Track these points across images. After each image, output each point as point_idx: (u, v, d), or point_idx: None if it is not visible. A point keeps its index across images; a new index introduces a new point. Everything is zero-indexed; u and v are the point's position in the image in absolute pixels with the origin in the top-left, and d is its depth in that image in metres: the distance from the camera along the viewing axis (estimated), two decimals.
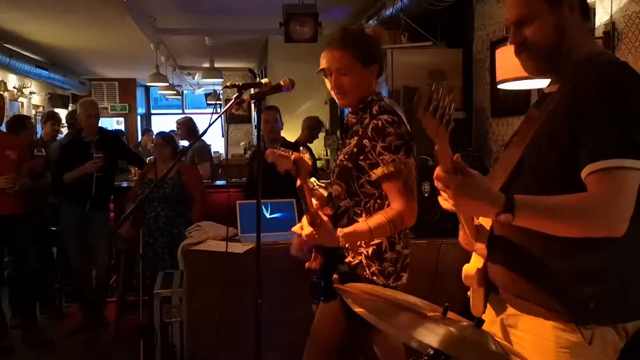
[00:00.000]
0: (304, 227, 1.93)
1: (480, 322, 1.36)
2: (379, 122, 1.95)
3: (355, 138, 2.03)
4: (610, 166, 1.27)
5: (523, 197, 1.30)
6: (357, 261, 2.06)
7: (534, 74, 1.51)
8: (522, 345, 1.45)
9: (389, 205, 2.00)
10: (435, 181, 1.30)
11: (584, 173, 1.30)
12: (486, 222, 1.54)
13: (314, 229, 1.90)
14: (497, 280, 1.51)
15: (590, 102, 1.32)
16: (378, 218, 1.93)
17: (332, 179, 2.14)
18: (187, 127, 5.87)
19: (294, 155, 1.88)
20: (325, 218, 1.92)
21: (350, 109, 2.12)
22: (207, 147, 6.05)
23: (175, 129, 6.02)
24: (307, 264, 2.07)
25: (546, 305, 1.40)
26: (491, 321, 1.57)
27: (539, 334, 1.41)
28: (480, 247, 1.53)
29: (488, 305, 1.59)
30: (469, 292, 1.59)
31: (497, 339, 1.52)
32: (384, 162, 1.94)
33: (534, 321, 1.42)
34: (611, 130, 1.29)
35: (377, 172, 1.97)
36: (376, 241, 2.04)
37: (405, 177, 1.95)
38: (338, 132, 2.34)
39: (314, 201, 1.96)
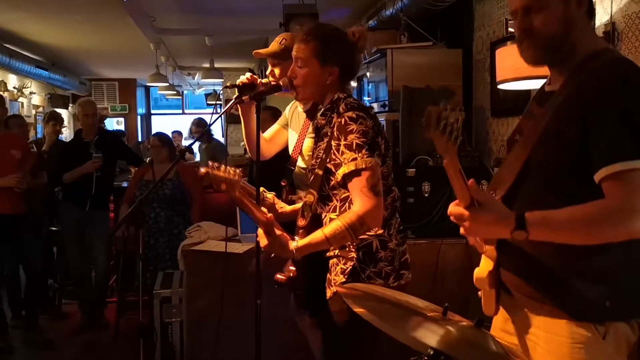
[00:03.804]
0: (260, 238, 1.90)
1: (481, 322, 1.37)
2: (342, 120, 1.89)
3: (325, 140, 1.98)
4: (625, 169, 1.26)
5: (535, 213, 1.31)
6: (349, 267, 1.97)
7: (532, 63, 1.50)
8: (536, 342, 1.46)
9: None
10: (451, 217, 1.35)
11: (598, 176, 1.30)
12: None
13: (268, 240, 1.86)
14: (509, 281, 1.52)
15: (599, 102, 1.31)
16: (334, 224, 1.83)
17: (308, 186, 2.08)
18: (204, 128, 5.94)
19: (203, 170, 1.89)
20: (278, 232, 1.87)
21: (319, 111, 2.06)
22: (223, 147, 6.08)
23: (191, 130, 6.03)
24: (277, 274, 2.04)
25: (560, 306, 1.40)
26: (505, 319, 1.58)
27: (552, 330, 1.42)
28: (490, 249, 1.53)
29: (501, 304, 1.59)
30: (479, 293, 1.59)
31: (499, 339, 1.53)
32: (345, 161, 1.85)
33: (548, 319, 1.43)
34: (623, 131, 1.28)
35: (339, 172, 1.89)
36: (365, 242, 1.95)
37: (368, 176, 1.83)
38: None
39: (264, 210, 1.91)
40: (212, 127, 6.03)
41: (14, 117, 5.26)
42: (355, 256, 1.96)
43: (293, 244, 1.86)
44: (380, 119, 3.66)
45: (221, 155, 5.73)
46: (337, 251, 1.99)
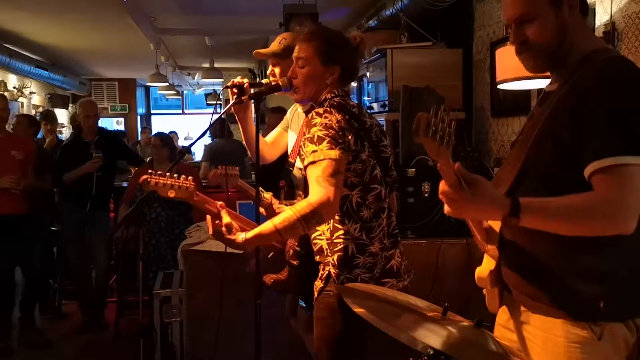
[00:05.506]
0: (208, 224, 1.87)
1: (480, 322, 1.36)
2: (310, 115, 1.87)
3: None
4: (614, 164, 1.27)
5: (529, 200, 1.31)
6: (326, 272, 1.91)
7: (534, 71, 1.51)
8: (534, 341, 1.46)
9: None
10: (441, 196, 1.31)
11: (587, 171, 1.31)
12: (496, 224, 1.55)
13: (213, 227, 1.83)
14: (509, 280, 1.53)
15: (591, 100, 1.32)
16: (285, 214, 1.73)
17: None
18: (218, 125, 5.91)
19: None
20: (226, 220, 1.83)
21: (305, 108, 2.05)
22: (223, 148, 6.01)
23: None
24: (269, 276, 2.04)
25: (556, 305, 1.41)
26: (507, 318, 1.59)
27: (549, 330, 1.42)
28: (492, 248, 1.54)
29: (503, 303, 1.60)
30: (484, 291, 1.60)
31: (501, 335, 1.53)
32: (307, 154, 1.80)
33: (545, 318, 1.43)
34: (612, 127, 1.29)
35: (302, 166, 1.84)
36: (339, 246, 1.89)
37: (325, 166, 1.75)
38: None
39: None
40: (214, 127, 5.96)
41: None
42: (331, 261, 1.90)
43: (241, 236, 1.79)
44: (380, 119, 3.67)
45: (218, 157, 5.63)
46: (318, 256, 1.95)
